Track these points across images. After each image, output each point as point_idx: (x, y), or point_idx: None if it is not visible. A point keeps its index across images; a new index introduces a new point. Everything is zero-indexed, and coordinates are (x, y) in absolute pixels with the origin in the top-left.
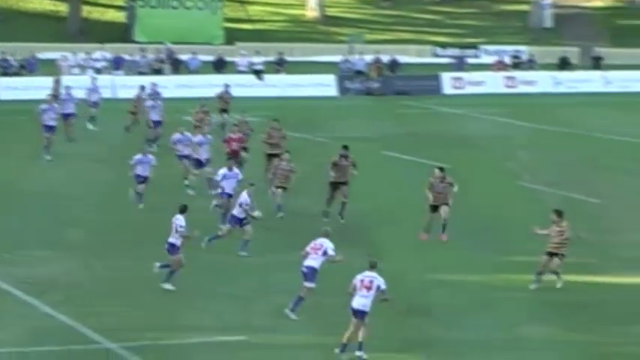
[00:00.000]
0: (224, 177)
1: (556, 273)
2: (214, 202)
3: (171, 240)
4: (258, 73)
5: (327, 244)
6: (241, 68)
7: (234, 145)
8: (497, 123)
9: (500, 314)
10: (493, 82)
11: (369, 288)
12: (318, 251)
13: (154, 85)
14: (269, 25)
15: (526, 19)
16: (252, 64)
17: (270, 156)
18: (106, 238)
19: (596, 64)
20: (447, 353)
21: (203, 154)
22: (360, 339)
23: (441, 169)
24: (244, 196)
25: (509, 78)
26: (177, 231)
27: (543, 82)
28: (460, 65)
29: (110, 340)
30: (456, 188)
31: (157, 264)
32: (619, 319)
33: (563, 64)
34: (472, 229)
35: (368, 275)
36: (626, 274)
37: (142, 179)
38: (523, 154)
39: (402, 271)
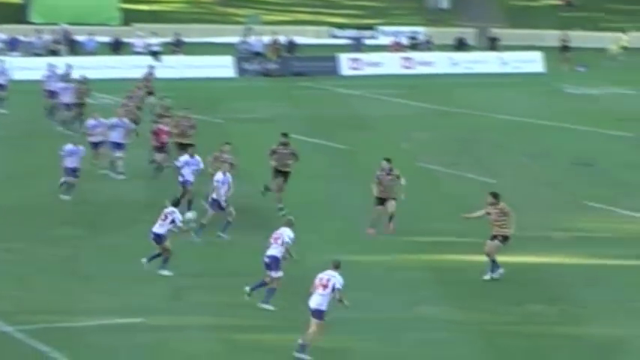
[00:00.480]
0: (186, 164)
1: (492, 261)
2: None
3: (158, 231)
4: (155, 55)
5: (287, 233)
6: (138, 49)
7: (164, 138)
8: (394, 104)
9: (400, 294)
10: (390, 63)
11: (325, 286)
12: (278, 240)
13: (69, 67)
14: (166, 6)
15: (423, 0)
16: (149, 45)
17: (180, 145)
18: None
19: (492, 45)
20: (346, 332)
21: (117, 138)
22: (307, 340)
23: (388, 160)
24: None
25: (406, 59)
26: (173, 223)
27: (440, 63)
28: (357, 46)
29: (6, 324)
30: (403, 181)
31: (145, 260)
32: (513, 299)
33: (460, 45)
34: (369, 210)
35: (327, 274)
36: (522, 254)
37: (71, 171)
38: (420, 135)
39: (303, 252)
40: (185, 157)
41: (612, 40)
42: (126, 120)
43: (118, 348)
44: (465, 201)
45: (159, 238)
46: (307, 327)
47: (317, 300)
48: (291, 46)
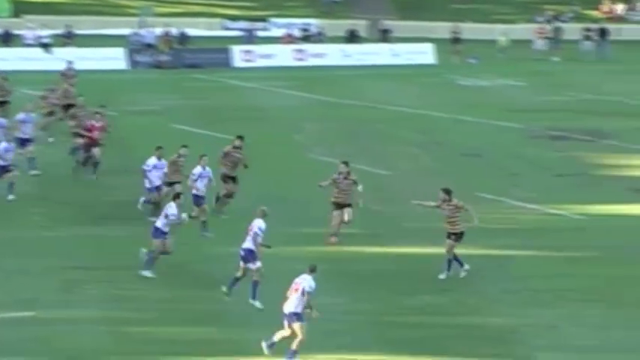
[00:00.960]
0: (154, 167)
1: (455, 258)
2: (142, 199)
3: (157, 224)
4: (45, 47)
5: (258, 224)
6: (28, 41)
7: (96, 134)
8: (287, 96)
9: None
10: (283, 55)
11: (297, 290)
12: (251, 232)
13: None
14: None
15: None
16: (39, 37)
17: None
18: None
19: (384, 36)
20: (236, 324)
21: (26, 132)
22: (294, 347)
23: (346, 163)
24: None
25: (298, 51)
26: (166, 217)
27: (332, 54)
28: (250, 38)
29: None
30: (360, 188)
31: (144, 250)
32: (407, 290)
33: (352, 37)
34: (264, 202)
35: (300, 278)
36: (413, 245)
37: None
38: (312, 127)
39: (196, 245)
40: (153, 161)
41: (502, 32)
42: (33, 114)
43: (9, 342)
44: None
45: (156, 232)
46: (278, 329)
47: (292, 303)
48: (183, 38)
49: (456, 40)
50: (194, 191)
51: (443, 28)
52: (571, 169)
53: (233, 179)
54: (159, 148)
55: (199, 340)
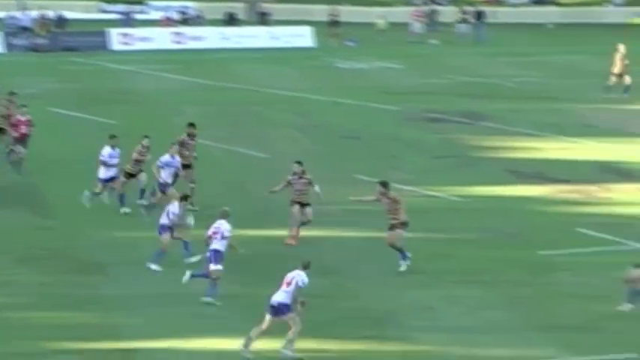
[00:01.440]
0: (110, 156)
1: (399, 250)
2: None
3: (161, 221)
4: None
5: (224, 227)
6: None
7: (23, 129)
8: (166, 79)
9: (174, 271)
10: (161, 38)
11: (289, 284)
12: (217, 235)
13: None
14: None
15: None
16: None
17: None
18: None
19: (262, 19)
20: (119, 309)
21: None
22: (290, 335)
23: (299, 162)
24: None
25: (177, 34)
26: (168, 215)
27: (211, 37)
28: (127, 21)
29: None
30: (317, 188)
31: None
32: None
33: (230, 20)
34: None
35: (293, 272)
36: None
37: None
38: (191, 110)
39: (76, 230)
40: (107, 150)
41: (380, 15)
42: None
43: None
44: (235, 176)
45: (162, 229)
46: (260, 323)
47: (280, 296)
48: (61, 21)
49: (334, 23)
50: (159, 179)
51: (321, 11)
52: (449, 151)
53: (189, 167)
54: (112, 137)
55: (79, 324)
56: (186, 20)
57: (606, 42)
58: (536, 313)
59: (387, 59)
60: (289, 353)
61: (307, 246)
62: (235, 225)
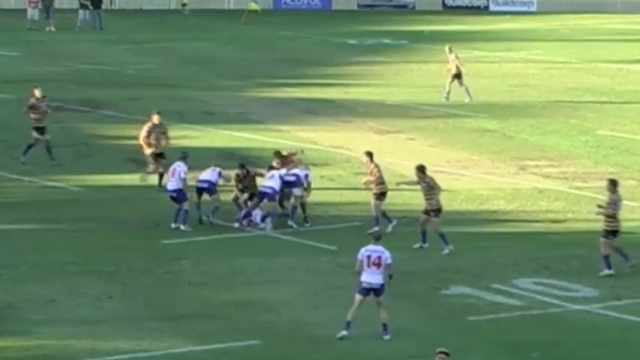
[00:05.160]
0: None
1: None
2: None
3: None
4: None
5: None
6: None
7: None
8: None
9: None
10: None
11: (378, 265)
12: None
13: None
14: None
15: None
16: None
17: None
18: None
19: None
20: None
21: None
22: (383, 320)
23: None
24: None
25: None
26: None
27: None
28: None
29: None
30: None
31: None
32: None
33: None
34: None
35: (374, 250)
36: None
37: None
38: None
39: None
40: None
41: None
42: None
43: None
44: None
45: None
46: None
47: (372, 278)
48: None
49: None
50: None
51: None
52: (69, 140)
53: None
54: None
55: None
56: None
57: (227, 29)
58: (158, 302)
59: (1, 47)
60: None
61: None
62: None
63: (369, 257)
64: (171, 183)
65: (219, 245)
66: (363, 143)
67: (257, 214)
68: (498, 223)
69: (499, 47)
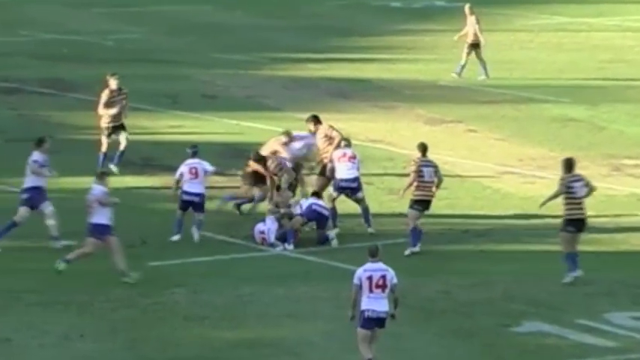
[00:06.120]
0: None
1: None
2: None
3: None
4: None
5: None
6: None
7: None
8: None
9: None
10: None
11: (383, 287)
12: None
13: None
14: None
15: None
16: None
17: None
18: None
19: None
20: None
21: None
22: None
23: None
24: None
25: None
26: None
27: None
28: None
29: None
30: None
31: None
32: None
33: None
34: None
35: (376, 269)
36: None
37: None
38: None
39: None
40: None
41: None
42: None
43: None
44: None
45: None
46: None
47: (379, 305)
48: None
49: None
50: None
51: None
52: (29, 131)
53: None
54: None
55: None
56: None
57: None
58: (144, 343)
59: None
60: None
61: None
62: None
63: (370, 279)
64: (194, 184)
65: (224, 268)
66: (410, 136)
67: (271, 230)
68: (585, 240)
69: (587, 12)
